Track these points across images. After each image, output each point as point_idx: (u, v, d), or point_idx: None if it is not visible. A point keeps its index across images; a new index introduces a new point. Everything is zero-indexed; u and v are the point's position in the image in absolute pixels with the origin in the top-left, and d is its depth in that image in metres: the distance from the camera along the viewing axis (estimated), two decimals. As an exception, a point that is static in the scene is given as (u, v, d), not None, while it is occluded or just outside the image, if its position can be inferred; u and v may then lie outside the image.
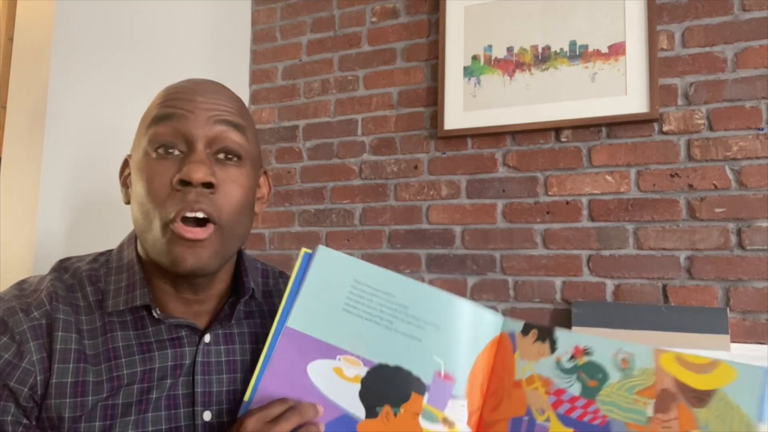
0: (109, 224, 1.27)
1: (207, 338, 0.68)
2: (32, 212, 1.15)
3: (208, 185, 0.61)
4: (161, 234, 0.61)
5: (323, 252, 0.66)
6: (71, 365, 0.61)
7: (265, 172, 0.76)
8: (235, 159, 0.65)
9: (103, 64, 1.31)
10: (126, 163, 0.71)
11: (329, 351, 0.62)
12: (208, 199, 0.61)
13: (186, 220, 0.60)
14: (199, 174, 0.60)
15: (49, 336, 0.61)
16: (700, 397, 0.52)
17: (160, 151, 0.62)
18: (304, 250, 0.66)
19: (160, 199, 0.61)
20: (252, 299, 0.74)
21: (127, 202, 0.69)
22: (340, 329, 0.63)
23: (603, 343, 0.58)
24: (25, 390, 0.58)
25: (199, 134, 0.62)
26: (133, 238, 0.70)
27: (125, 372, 0.63)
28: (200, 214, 0.60)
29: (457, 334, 0.63)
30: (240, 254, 0.74)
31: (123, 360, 0.63)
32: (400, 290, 0.64)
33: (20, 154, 1.17)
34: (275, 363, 0.62)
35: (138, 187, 0.63)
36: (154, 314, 0.64)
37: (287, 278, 0.84)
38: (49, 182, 1.17)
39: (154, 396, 0.63)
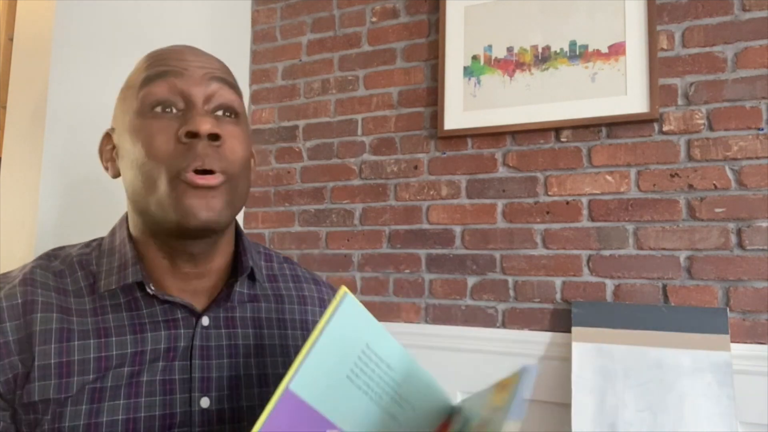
0: (109, 224, 1.27)
1: (205, 321, 0.65)
2: (32, 212, 1.15)
3: (215, 137, 0.60)
4: (170, 188, 0.58)
5: (349, 302, 0.55)
6: (53, 345, 0.58)
7: None
8: (232, 116, 0.64)
9: (103, 64, 1.31)
10: (108, 138, 0.69)
11: (319, 423, 0.55)
12: (215, 152, 0.60)
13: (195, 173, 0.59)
14: (207, 125, 0.58)
15: (25, 317, 0.59)
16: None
17: (158, 109, 0.60)
18: (344, 290, 0.55)
19: (165, 154, 0.59)
20: (256, 283, 0.72)
21: (114, 176, 0.67)
22: (337, 399, 0.56)
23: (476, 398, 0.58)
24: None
25: (197, 91, 0.61)
26: (125, 219, 0.69)
27: (114, 353, 0.60)
28: (210, 167, 0.59)
29: (425, 417, 0.62)
30: (239, 235, 0.72)
31: (113, 339, 0.61)
32: (400, 366, 0.60)
33: (20, 154, 1.17)
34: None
35: (135, 151, 0.60)
36: (149, 290, 0.62)
37: (292, 263, 0.81)
38: (49, 182, 1.17)
39: (144, 379, 0.61)
